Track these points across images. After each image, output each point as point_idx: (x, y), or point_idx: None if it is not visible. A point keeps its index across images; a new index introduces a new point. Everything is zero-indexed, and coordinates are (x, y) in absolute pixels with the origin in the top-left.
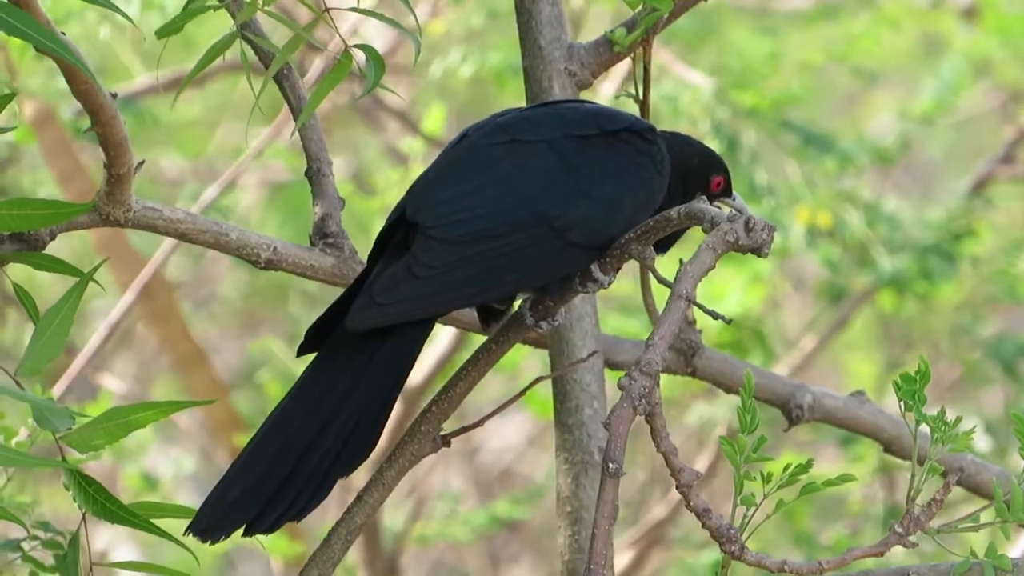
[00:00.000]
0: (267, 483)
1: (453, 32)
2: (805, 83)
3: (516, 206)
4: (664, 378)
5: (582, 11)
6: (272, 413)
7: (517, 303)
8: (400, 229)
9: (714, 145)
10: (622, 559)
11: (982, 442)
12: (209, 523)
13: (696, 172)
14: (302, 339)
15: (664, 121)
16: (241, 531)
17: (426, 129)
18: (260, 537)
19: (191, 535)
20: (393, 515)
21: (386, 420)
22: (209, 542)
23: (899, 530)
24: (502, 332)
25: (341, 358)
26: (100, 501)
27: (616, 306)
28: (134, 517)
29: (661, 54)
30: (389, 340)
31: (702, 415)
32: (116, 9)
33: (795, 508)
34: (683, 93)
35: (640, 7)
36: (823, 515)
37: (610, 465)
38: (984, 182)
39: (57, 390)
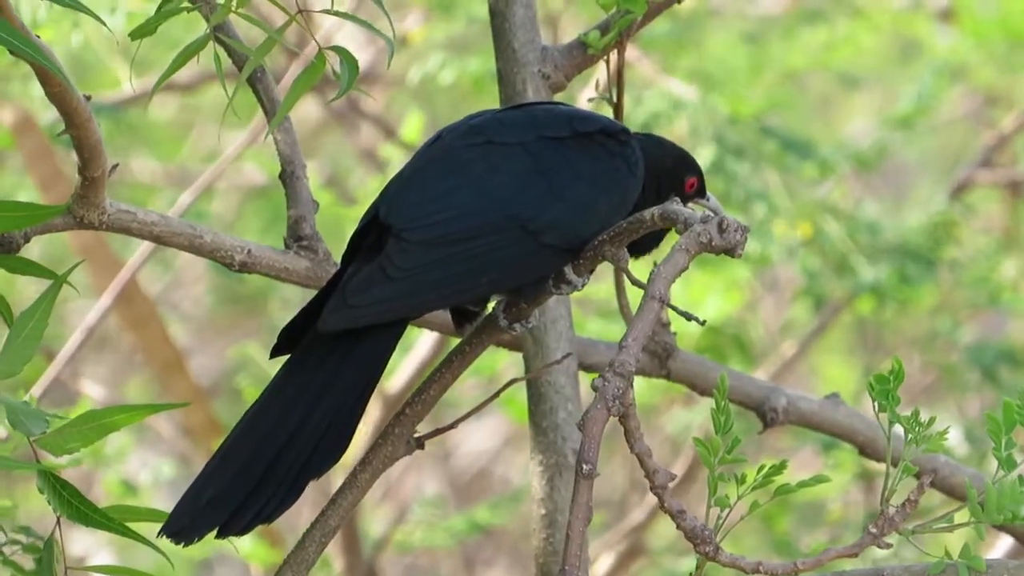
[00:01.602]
0: (240, 485)
1: (434, 39)
2: (785, 93)
3: (489, 208)
4: (642, 384)
5: (558, 14)
6: (245, 415)
7: (491, 305)
8: (373, 230)
9: (709, 154)
10: (602, 564)
11: (961, 449)
12: (182, 525)
13: (670, 173)
14: (275, 341)
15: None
16: (214, 533)
17: (405, 137)
18: (237, 544)
19: (164, 537)
20: (371, 518)
21: (358, 422)
22: (182, 544)
23: (873, 531)
24: (476, 334)
25: (313, 360)
26: (74, 504)
27: (594, 310)
28: (108, 520)
29: (643, 63)
30: (361, 342)
31: (679, 421)
32: (87, 11)
33: (774, 514)
34: (680, 107)
35: (614, 10)
36: (803, 523)
37: (584, 466)
38: (963, 187)
39: (34, 393)
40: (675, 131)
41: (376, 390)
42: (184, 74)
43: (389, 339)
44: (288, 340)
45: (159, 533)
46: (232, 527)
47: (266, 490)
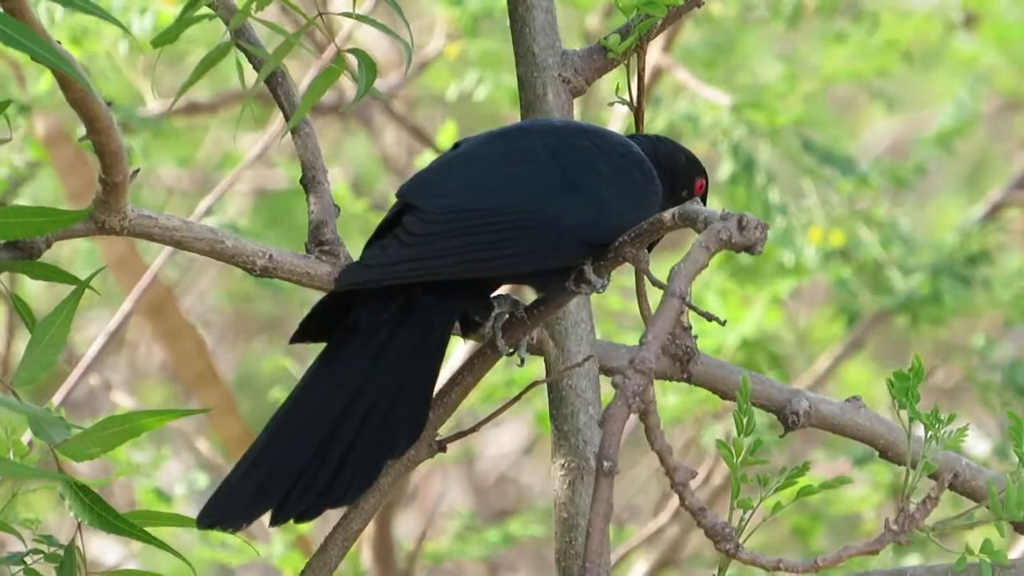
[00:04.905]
0: (293, 463)
1: (468, 54)
2: (821, 107)
3: (509, 190)
4: (675, 397)
5: (599, 31)
6: (292, 393)
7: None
8: (395, 221)
9: (730, 166)
10: (635, 573)
11: (992, 464)
12: (226, 510)
13: (684, 172)
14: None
15: (684, 140)
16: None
17: (440, 144)
18: (270, 551)
19: (203, 527)
20: (399, 523)
21: (432, 390)
22: (230, 530)
23: (894, 528)
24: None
25: (364, 336)
26: (96, 511)
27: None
28: (130, 527)
29: (677, 72)
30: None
31: (716, 434)
32: (111, 19)
33: (807, 527)
34: (704, 113)
35: (634, 14)
36: (837, 536)
37: (604, 464)
38: (999, 207)
39: (56, 399)
40: (698, 145)
41: None
42: (204, 92)
43: (445, 313)
44: (310, 330)
45: (199, 521)
46: (288, 511)
47: (328, 468)
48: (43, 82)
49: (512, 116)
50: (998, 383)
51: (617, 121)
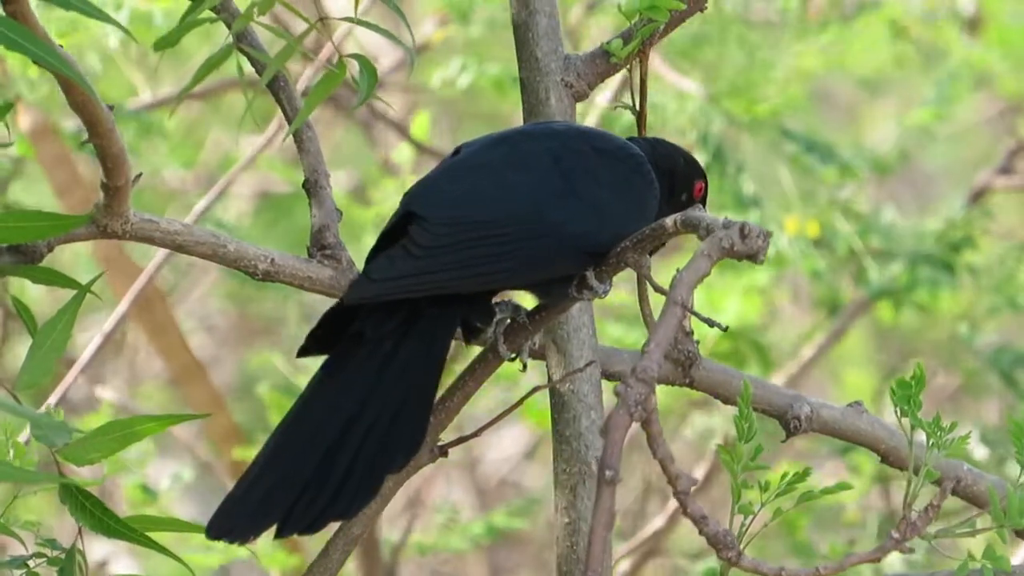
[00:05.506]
0: (298, 475)
1: (453, 41)
2: (798, 92)
3: (512, 199)
4: (662, 389)
5: (581, 24)
6: (295, 404)
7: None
8: (399, 228)
9: (700, 155)
10: (619, 569)
11: (979, 452)
12: (234, 522)
13: (683, 174)
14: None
15: (652, 130)
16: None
17: (414, 134)
18: (256, 549)
19: (211, 538)
20: (391, 527)
21: (431, 405)
22: (238, 543)
23: (896, 536)
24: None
25: (366, 350)
26: (96, 515)
27: (612, 314)
28: (130, 531)
29: (654, 61)
30: (417, 327)
31: (698, 426)
32: (109, 19)
33: (794, 520)
34: (672, 102)
35: (636, 18)
36: (819, 526)
37: (607, 472)
38: (982, 193)
39: (52, 400)
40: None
41: None
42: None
43: (446, 324)
44: (316, 342)
45: (208, 533)
46: (294, 524)
47: (332, 482)
48: (31, 81)
49: (506, 110)
50: (988, 374)
51: (592, 117)
